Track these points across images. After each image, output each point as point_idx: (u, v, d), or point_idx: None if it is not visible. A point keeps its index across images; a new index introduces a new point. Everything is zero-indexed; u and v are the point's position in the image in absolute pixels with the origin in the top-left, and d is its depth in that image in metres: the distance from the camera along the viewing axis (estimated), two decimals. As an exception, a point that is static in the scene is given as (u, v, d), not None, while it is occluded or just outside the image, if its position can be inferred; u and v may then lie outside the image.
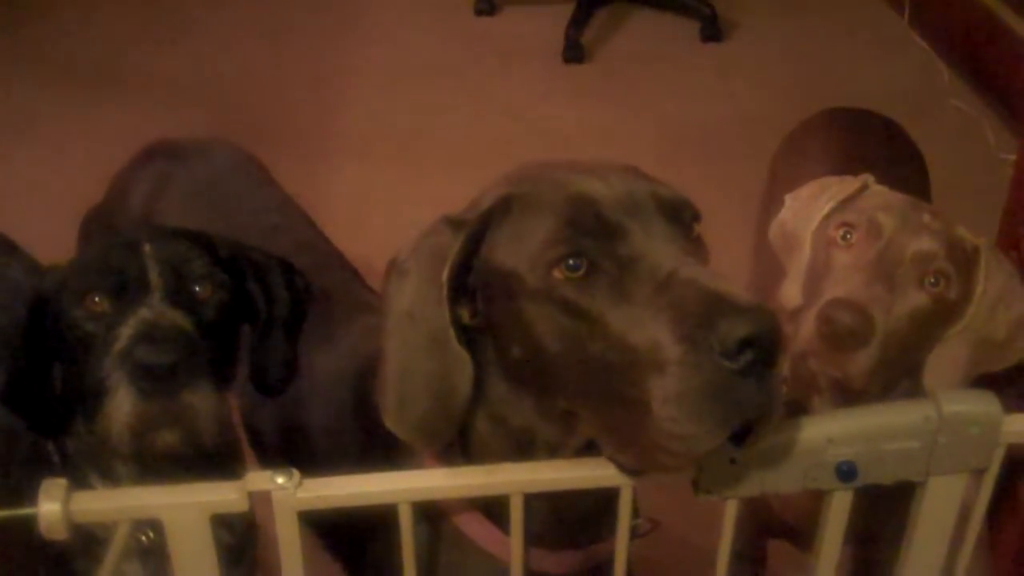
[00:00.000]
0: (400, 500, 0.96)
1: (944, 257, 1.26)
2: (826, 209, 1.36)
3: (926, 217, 1.29)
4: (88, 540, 1.15)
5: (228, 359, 1.20)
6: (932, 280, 1.25)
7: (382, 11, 3.84)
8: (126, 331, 1.09)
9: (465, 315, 1.00)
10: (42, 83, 3.39)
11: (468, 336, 1.00)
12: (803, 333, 1.24)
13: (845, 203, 1.35)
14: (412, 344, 0.98)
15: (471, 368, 0.98)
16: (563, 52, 3.49)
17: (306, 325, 1.32)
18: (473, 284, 1.00)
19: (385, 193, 2.79)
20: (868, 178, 1.37)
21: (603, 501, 1.02)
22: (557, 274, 0.92)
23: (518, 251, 0.95)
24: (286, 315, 1.27)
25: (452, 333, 0.97)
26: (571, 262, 0.92)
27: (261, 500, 0.94)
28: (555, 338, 0.93)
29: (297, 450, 1.39)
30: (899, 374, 1.30)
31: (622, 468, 0.94)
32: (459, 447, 1.06)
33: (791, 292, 1.37)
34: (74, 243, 1.76)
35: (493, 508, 1.06)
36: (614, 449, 0.93)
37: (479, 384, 1.00)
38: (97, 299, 1.13)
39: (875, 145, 1.87)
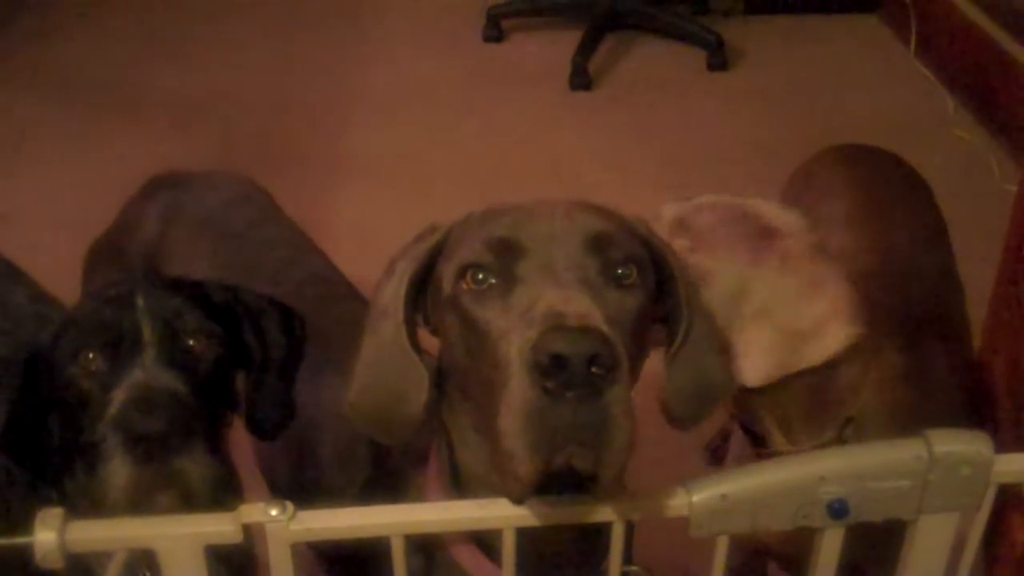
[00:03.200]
0: (393, 533, 0.97)
1: None
2: None
3: None
4: (84, 574, 1.15)
5: (223, 410, 1.20)
6: None
7: (390, 35, 3.87)
8: (119, 394, 1.09)
9: (420, 319, 1.06)
10: (44, 102, 3.42)
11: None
12: None
13: None
14: (381, 339, 1.04)
15: (424, 374, 1.03)
16: (570, 79, 3.50)
17: (316, 357, 1.31)
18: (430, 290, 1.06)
19: (390, 217, 2.79)
20: None
21: (593, 538, 1.03)
22: (464, 284, 0.97)
23: (449, 261, 1.01)
24: (282, 358, 1.26)
25: (405, 333, 1.03)
26: (479, 275, 0.96)
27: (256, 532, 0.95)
28: (460, 348, 0.98)
29: (307, 481, 1.39)
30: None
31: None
32: (451, 478, 1.08)
33: None
34: (76, 263, 1.76)
35: (485, 540, 1.06)
36: (493, 472, 0.95)
37: (451, 407, 1.05)
38: (91, 355, 1.13)
39: (884, 181, 1.86)
